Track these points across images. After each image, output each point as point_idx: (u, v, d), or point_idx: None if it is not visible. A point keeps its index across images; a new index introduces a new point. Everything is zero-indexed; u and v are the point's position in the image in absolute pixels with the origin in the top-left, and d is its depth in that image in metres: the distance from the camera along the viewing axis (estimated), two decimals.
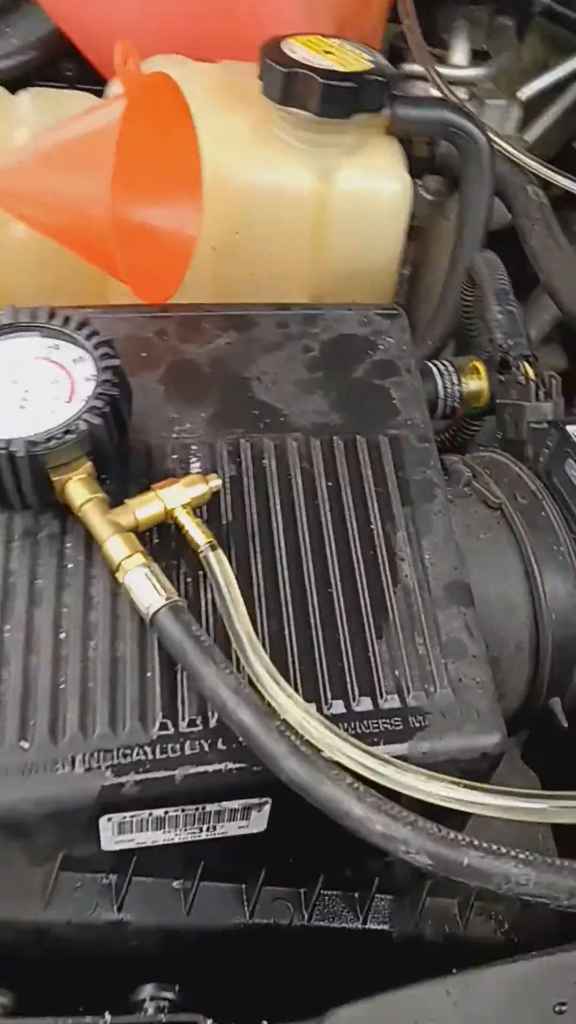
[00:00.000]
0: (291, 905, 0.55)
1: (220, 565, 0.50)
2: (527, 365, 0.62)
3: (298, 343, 0.64)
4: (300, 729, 0.44)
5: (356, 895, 0.57)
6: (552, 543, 0.56)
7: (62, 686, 0.48)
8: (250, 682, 0.46)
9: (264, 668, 0.47)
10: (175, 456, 0.57)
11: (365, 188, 0.75)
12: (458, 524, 0.56)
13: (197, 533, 0.51)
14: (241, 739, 0.44)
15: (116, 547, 0.49)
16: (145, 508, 0.51)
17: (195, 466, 0.57)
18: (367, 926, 0.57)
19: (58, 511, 0.53)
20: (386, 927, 0.57)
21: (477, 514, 0.58)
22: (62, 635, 0.50)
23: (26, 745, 0.46)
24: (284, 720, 0.44)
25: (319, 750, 0.43)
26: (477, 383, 0.68)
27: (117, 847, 0.48)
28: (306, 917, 0.55)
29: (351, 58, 0.73)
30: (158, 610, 0.47)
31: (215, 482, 0.53)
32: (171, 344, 0.63)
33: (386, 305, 0.67)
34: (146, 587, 0.48)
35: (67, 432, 0.51)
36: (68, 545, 0.53)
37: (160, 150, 0.66)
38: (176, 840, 0.49)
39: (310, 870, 0.54)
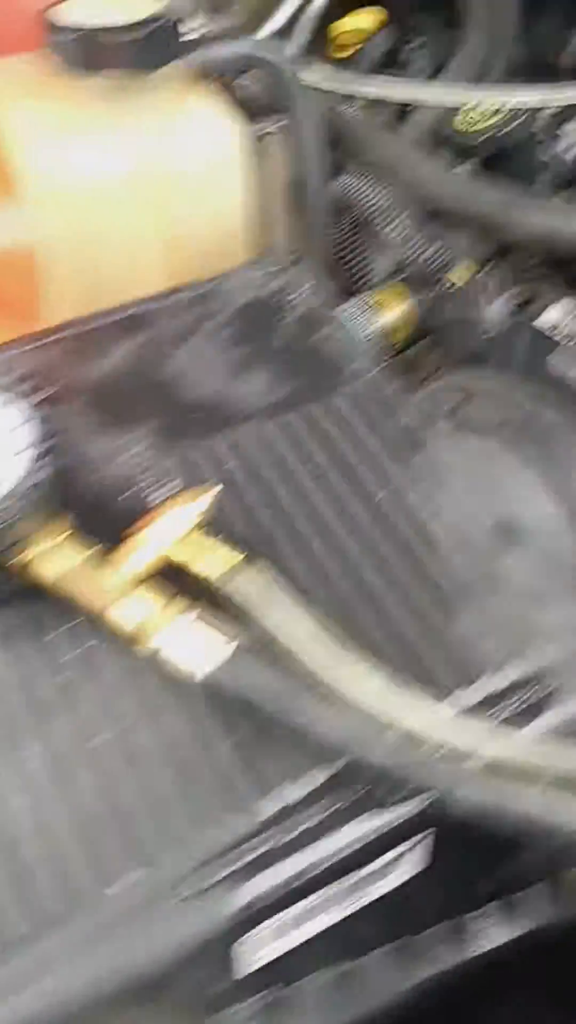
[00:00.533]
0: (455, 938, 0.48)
1: (262, 582, 0.41)
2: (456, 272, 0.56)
3: (207, 325, 0.56)
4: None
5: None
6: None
7: (124, 802, 0.38)
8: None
9: (372, 677, 0.39)
10: (130, 490, 0.48)
11: (194, 145, 0.66)
12: (464, 461, 0.50)
13: (206, 564, 0.42)
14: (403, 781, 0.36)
15: (125, 614, 0.40)
16: (138, 556, 0.42)
17: (159, 495, 0.48)
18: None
19: (24, 597, 0.43)
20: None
21: (477, 444, 0.51)
22: (96, 741, 0.40)
23: (110, 890, 0.36)
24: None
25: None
26: (398, 311, 0.61)
27: (256, 966, 0.40)
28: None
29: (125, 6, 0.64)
30: (220, 663, 0.38)
31: (203, 498, 0.44)
32: (69, 370, 0.53)
33: (277, 257, 0.60)
34: (189, 641, 0.39)
35: (12, 497, 0.41)
36: (55, 633, 0.43)
37: None
38: (321, 928, 0.40)
39: (476, 886, 0.47)
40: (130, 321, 0.56)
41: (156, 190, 0.66)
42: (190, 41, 0.67)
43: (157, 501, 0.47)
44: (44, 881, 0.36)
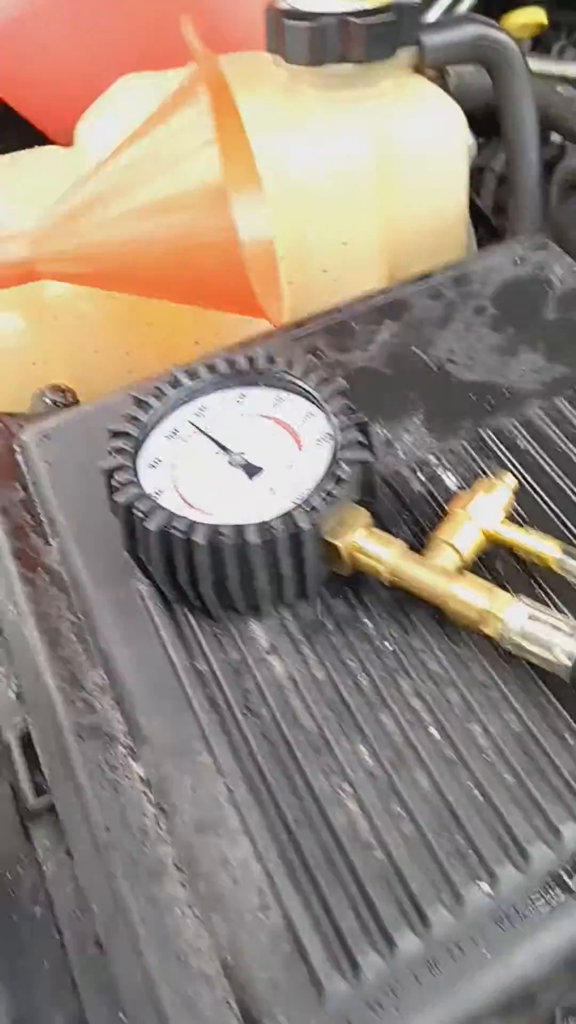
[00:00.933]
0: None
1: None
2: None
3: (466, 308, 0.54)
4: None
5: None
6: None
7: (479, 796, 0.36)
8: None
9: None
10: (420, 476, 0.46)
11: (423, 133, 0.65)
12: None
13: (540, 543, 0.40)
14: None
15: (471, 595, 0.38)
16: (462, 537, 0.40)
17: (449, 478, 0.46)
18: None
19: (331, 588, 0.42)
20: None
21: None
22: (433, 732, 0.38)
23: (487, 887, 0.34)
24: None
25: None
26: None
27: None
28: None
29: None
30: None
31: (509, 479, 0.43)
32: (333, 358, 0.52)
33: (528, 237, 0.58)
34: (543, 631, 0.37)
35: (338, 480, 0.39)
36: (368, 623, 0.41)
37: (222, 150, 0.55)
38: None
39: None
40: (383, 310, 0.54)
41: (384, 182, 0.65)
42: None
43: (453, 484, 0.45)
44: (415, 880, 0.34)
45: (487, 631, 0.38)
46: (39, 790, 0.43)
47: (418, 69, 0.69)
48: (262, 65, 0.66)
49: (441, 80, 0.75)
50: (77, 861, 0.40)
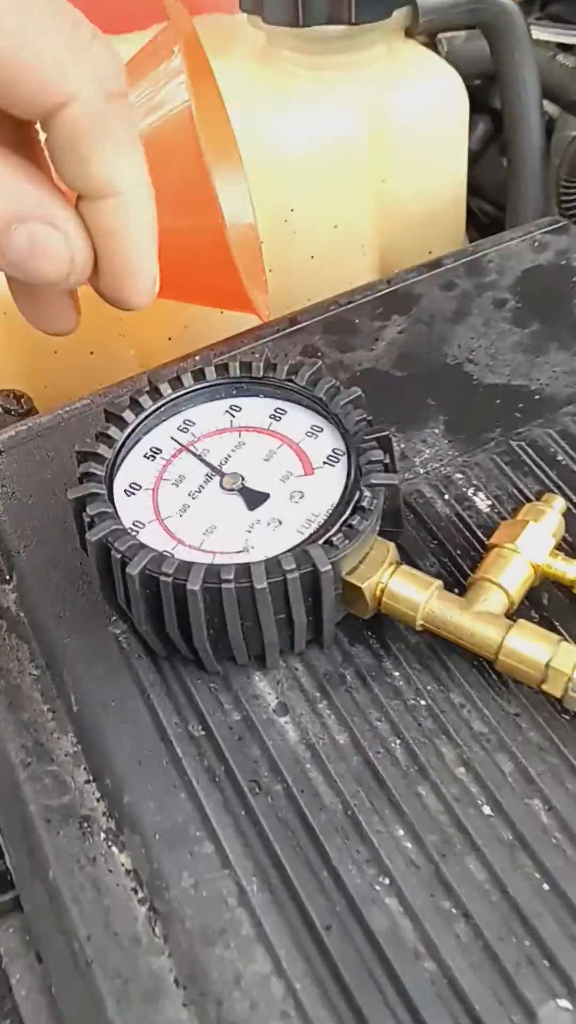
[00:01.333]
0: None
1: None
2: None
3: (484, 300, 0.50)
4: None
5: None
6: None
7: (547, 887, 0.31)
8: None
9: None
10: (446, 497, 0.42)
11: (420, 103, 0.61)
12: None
13: None
14: None
15: (532, 648, 0.33)
16: (510, 576, 0.36)
17: (480, 499, 0.41)
18: None
19: (349, 632, 0.37)
20: None
21: None
22: (486, 809, 0.33)
23: (566, 1003, 0.29)
24: None
25: None
26: None
27: None
28: None
29: None
30: None
31: (558, 502, 0.38)
32: (335, 358, 0.47)
33: (546, 220, 0.54)
34: None
35: (361, 511, 0.35)
36: (396, 674, 0.36)
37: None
38: None
39: None
40: (389, 301, 0.50)
41: (377, 158, 0.61)
42: None
43: (485, 505, 0.41)
44: (476, 996, 0.29)
45: (548, 689, 0.33)
46: (2, 883, 0.38)
47: (408, 34, 0.65)
48: (235, 28, 0.62)
49: (432, 48, 0.72)
50: (52, 977, 0.34)
